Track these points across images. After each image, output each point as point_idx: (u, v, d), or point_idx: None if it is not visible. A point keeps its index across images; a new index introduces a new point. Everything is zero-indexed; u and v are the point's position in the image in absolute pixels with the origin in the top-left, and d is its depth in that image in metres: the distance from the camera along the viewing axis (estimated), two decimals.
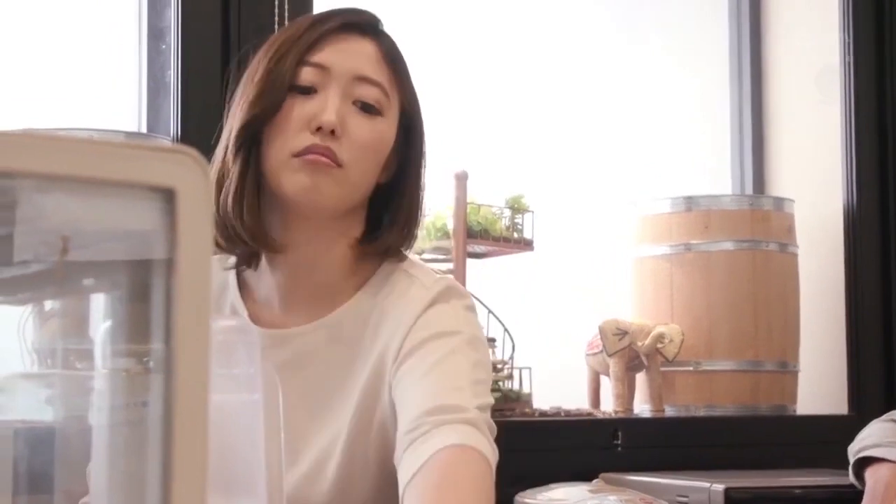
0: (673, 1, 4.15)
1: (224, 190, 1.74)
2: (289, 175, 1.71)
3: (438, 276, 1.81)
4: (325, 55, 1.75)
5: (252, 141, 1.74)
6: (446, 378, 1.66)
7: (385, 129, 1.78)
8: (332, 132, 1.71)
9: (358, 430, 1.73)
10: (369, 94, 1.76)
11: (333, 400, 1.75)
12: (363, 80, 1.76)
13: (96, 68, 3.10)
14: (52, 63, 3.06)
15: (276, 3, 2.87)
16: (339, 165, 1.71)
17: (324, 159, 1.70)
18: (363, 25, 1.80)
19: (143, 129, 2.98)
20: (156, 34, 3.00)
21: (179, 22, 2.86)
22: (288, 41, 1.76)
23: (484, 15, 3.82)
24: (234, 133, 1.75)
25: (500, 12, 3.86)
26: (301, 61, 1.74)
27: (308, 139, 1.71)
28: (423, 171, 1.86)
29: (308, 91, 1.74)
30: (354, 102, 1.75)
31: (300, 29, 1.77)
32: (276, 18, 2.86)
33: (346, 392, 1.75)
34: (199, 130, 2.80)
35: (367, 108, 1.76)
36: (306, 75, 1.74)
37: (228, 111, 1.81)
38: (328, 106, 1.72)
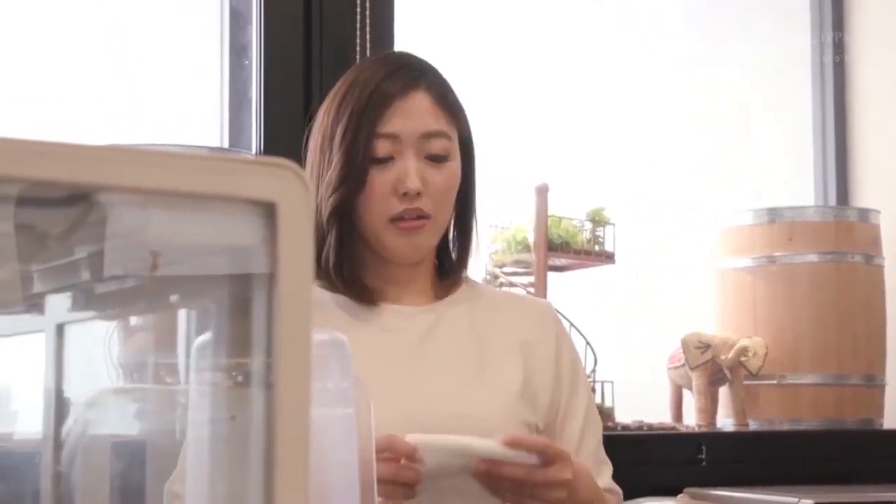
0: (753, 9, 4.11)
1: (324, 252, 1.97)
2: (390, 239, 1.95)
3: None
4: (393, 124, 1.93)
5: (344, 210, 1.95)
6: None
7: (454, 168, 1.98)
8: (417, 193, 1.92)
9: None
10: (437, 146, 1.95)
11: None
12: (429, 135, 1.95)
13: (179, 84, 3.13)
14: (135, 79, 3.09)
15: (359, 18, 2.88)
16: (428, 217, 1.94)
17: (418, 222, 1.93)
18: (416, 77, 1.97)
19: (226, 145, 3.00)
20: (238, 50, 3.02)
21: (262, 38, 2.87)
22: (356, 114, 1.93)
23: (564, 27, 3.81)
24: (326, 207, 1.95)
25: (581, 25, 3.84)
26: (373, 134, 1.92)
27: (398, 205, 1.93)
28: (476, 179, 2.07)
29: (386, 160, 1.93)
30: (426, 157, 1.94)
31: (363, 97, 1.94)
32: (358, 34, 2.86)
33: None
34: (281, 145, 2.82)
35: (438, 159, 1.95)
36: (382, 147, 1.93)
37: (309, 160, 2.01)
38: (409, 172, 1.92)
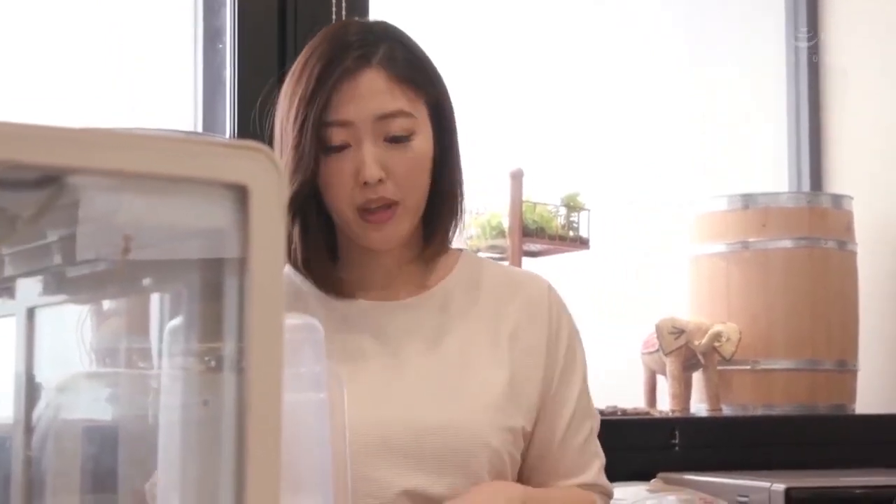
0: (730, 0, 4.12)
1: (291, 245, 1.86)
2: (359, 232, 1.82)
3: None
4: (345, 111, 1.80)
5: (305, 201, 1.83)
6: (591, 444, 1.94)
7: (421, 145, 1.83)
8: (379, 181, 1.79)
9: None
10: (396, 127, 1.81)
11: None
12: (385, 117, 1.80)
13: (152, 68, 3.11)
14: (108, 63, 3.07)
15: (334, 2, 2.87)
16: (397, 204, 1.81)
17: (386, 213, 1.81)
18: (366, 55, 1.82)
19: (200, 129, 2.99)
20: (212, 34, 3.01)
21: (236, 21, 2.86)
22: (303, 102, 1.80)
23: (538, 12, 3.80)
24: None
25: (555, 10, 3.84)
26: (323, 123, 1.79)
27: (360, 194, 1.80)
28: (458, 144, 1.92)
29: (342, 148, 1.80)
30: (386, 140, 1.81)
31: (310, 83, 1.80)
32: (334, 18, 2.86)
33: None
34: (255, 129, 2.80)
35: (399, 140, 1.81)
36: (335, 135, 1.80)
37: (273, 138, 1.88)
38: (366, 160, 1.78)
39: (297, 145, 1.79)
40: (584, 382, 1.95)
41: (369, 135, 1.79)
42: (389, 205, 1.80)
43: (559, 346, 1.91)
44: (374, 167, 1.78)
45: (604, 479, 1.93)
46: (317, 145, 1.78)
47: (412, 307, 1.89)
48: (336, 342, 1.75)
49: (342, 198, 1.80)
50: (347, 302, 1.88)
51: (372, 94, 1.80)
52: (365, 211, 1.80)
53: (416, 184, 1.82)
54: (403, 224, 1.83)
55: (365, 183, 1.78)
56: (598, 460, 1.93)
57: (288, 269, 1.89)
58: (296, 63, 1.86)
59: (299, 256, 1.86)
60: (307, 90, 1.79)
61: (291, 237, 1.87)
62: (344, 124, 1.78)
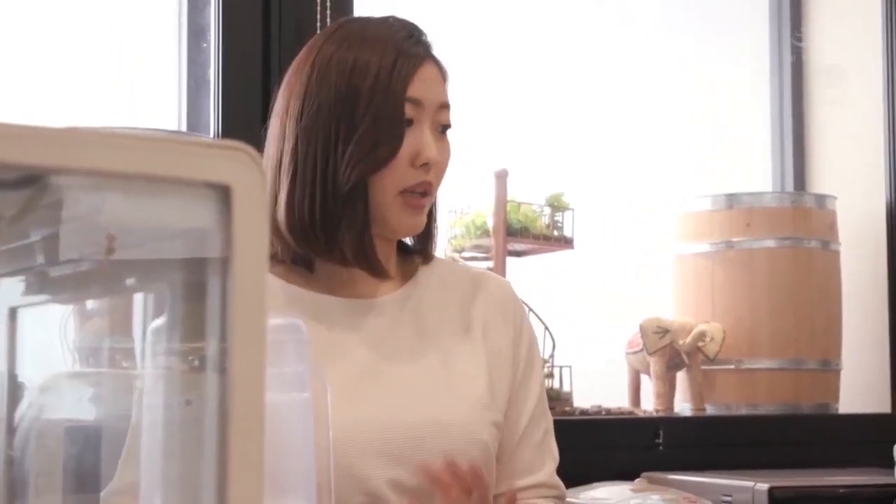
0: None
1: (339, 233, 1.79)
2: (396, 213, 1.80)
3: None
4: (418, 89, 1.80)
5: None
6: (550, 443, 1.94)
7: (450, 142, 1.87)
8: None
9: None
10: (446, 117, 1.84)
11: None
12: (443, 106, 1.84)
13: (136, 66, 3.11)
14: (92, 61, 3.07)
15: (318, 1, 2.87)
16: (430, 194, 1.83)
17: (423, 200, 1.81)
18: (428, 46, 1.85)
19: (184, 128, 2.98)
20: (196, 32, 3.00)
21: (220, 20, 2.86)
22: (385, 71, 1.78)
23: (522, 12, 3.81)
24: (347, 179, 1.77)
25: (539, 9, 3.84)
26: (403, 96, 1.78)
27: (412, 175, 1.79)
28: None
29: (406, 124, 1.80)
30: (437, 128, 1.83)
31: (389, 57, 1.79)
32: (319, 16, 2.85)
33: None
34: (239, 128, 2.80)
35: (445, 130, 1.85)
36: (407, 111, 1.79)
37: (288, 124, 1.82)
38: (429, 141, 1.79)
39: (379, 114, 1.76)
40: (542, 380, 1.96)
41: (430, 119, 1.81)
42: (426, 192, 1.81)
43: (522, 343, 1.92)
44: (435, 149, 1.79)
45: (557, 479, 1.93)
46: (401, 116, 1.78)
47: (388, 305, 1.88)
48: (317, 339, 1.74)
49: (394, 176, 1.78)
50: (324, 297, 1.86)
51: (437, 81, 1.84)
52: (408, 194, 1.79)
53: (443, 177, 1.86)
54: (425, 215, 1.85)
55: (423, 164, 1.78)
56: (553, 460, 1.93)
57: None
58: (327, 41, 1.83)
59: (351, 242, 1.79)
60: (386, 59, 1.78)
61: (339, 221, 1.79)
62: (416, 103, 1.79)
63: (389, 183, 1.78)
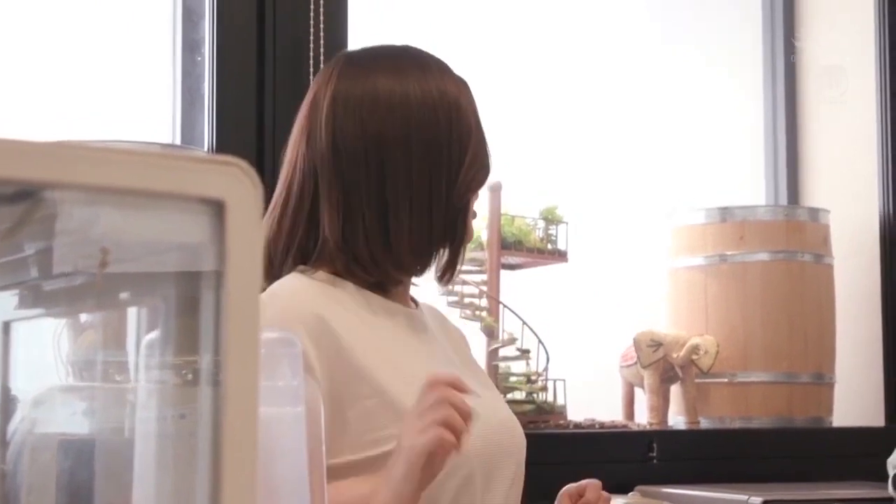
0: (707, 11, 4.13)
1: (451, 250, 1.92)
2: (467, 227, 1.94)
3: None
4: None
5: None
6: None
7: None
8: None
9: None
10: None
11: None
12: None
13: (131, 80, 3.11)
14: (86, 75, 3.07)
15: (312, 14, 2.87)
16: None
17: None
18: None
19: (178, 141, 2.98)
20: (191, 46, 3.01)
21: (214, 34, 2.86)
22: (465, 98, 1.95)
23: (516, 25, 3.81)
24: (460, 196, 1.90)
25: (533, 22, 3.85)
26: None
27: None
28: None
29: None
30: None
31: (463, 87, 1.97)
32: (312, 30, 2.86)
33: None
34: (233, 142, 2.81)
35: None
36: None
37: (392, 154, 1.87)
38: None
39: (482, 140, 1.95)
40: None
41: None
42: None
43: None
44: None
45: None
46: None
47: (419, 317, 1.96)
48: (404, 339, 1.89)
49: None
50: (392, 304, 1.92)
51: None
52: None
53: None
54: None
55: None
56: None
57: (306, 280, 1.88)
58: (389, 76, 1.90)
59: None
60: (464, 90, 1.96)
61: (448, 237, 1.91)
62: None
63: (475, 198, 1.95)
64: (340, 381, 1.71)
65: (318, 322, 1.75)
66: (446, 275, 1.94)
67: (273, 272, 1.87)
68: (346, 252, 1.84)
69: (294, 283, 1.84)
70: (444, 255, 1.91)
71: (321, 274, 1.86)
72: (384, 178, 1.84)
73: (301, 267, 1.87)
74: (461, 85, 1.95)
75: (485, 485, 1.80)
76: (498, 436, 1.85)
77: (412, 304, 1.97)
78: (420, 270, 1.91)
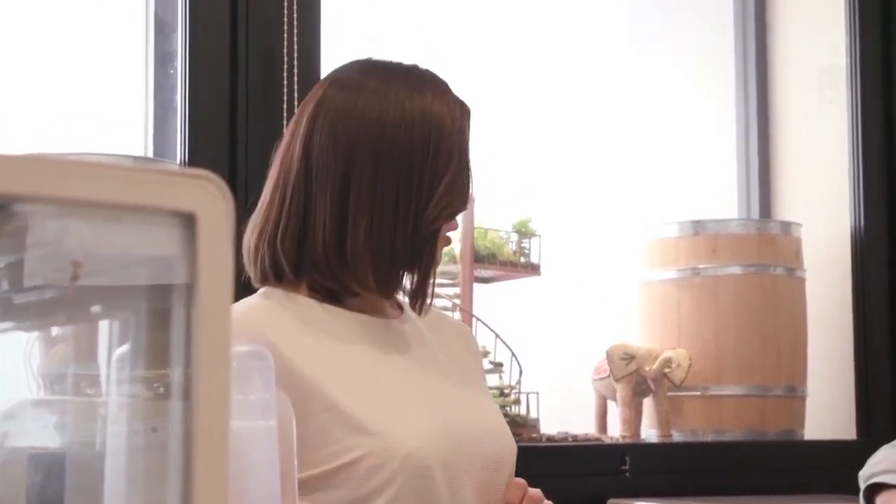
0: (681, 25, 4.15)
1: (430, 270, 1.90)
2: (439, 249, 1.91)
3: None
4: None
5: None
6: None
7: None
8: None
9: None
10: None
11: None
12: None
13: (103, 92, 3.10)
14: (58, 87, 3.06)
15: (286, 27, 2.87)
16: None
17: None
18: None
19: (151, 154, 2.97)
20: (163, 58, 3.00)
21: (187, 46, 2.85)
22: (457, 121, 1.93)
23: (492, 37, 3.82)
24: (433, 218, 1.87)
25: (508, 35, 3.85)
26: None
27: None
28: None
29: None
30: None
31: (455, 108, 1.95)
32: (286, 43, 2.86)
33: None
34: (206, 154, 2.80)
35: None
36: None
37: (360, 164, 1.86)
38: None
39: (465, 165, 1.93)
40: None
41: None
42: None
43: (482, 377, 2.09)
44: None
45: None
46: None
47: (396, 326, 1.93)
48: (367, 355, 1.86)
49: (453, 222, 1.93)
50: (360, 316, 1.90)
51: None
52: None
53: None
54: None
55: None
56: None
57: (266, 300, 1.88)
58: (392, 86, 1.90)
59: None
60: (455, 112, 1.94)
61: (421, 257, 1.88)
62: None
63: (448, 226, 1.91)
64: (293, 401, 1.72)
65: (265, 345, 1.74)
66: (416, 301, 1.91)
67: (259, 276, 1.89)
68: (305, 257, 1.85)
69: (245, 306, 1.85)
70: (414, 280, 1.88)
71: (279, 293, 1.87)
72: (348, 188, 1.84)
73: (263, 289, 1.89)
74: (456, 109, 1.93)
75: (448, 482, 1.78)
76: (466, 435, 1.83)
77: (394, 313, 1.95)
78: (387, 290, 1.89)
